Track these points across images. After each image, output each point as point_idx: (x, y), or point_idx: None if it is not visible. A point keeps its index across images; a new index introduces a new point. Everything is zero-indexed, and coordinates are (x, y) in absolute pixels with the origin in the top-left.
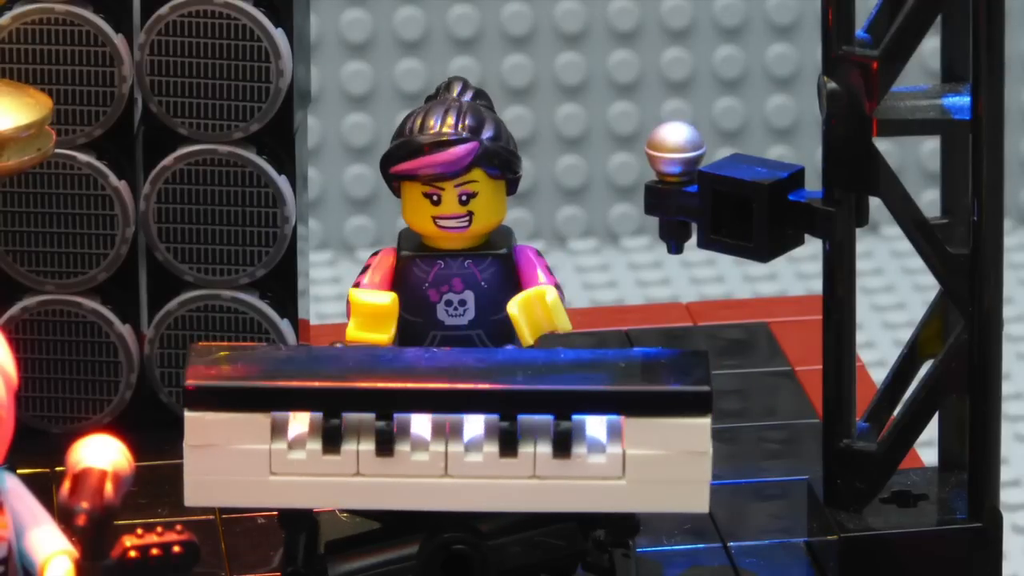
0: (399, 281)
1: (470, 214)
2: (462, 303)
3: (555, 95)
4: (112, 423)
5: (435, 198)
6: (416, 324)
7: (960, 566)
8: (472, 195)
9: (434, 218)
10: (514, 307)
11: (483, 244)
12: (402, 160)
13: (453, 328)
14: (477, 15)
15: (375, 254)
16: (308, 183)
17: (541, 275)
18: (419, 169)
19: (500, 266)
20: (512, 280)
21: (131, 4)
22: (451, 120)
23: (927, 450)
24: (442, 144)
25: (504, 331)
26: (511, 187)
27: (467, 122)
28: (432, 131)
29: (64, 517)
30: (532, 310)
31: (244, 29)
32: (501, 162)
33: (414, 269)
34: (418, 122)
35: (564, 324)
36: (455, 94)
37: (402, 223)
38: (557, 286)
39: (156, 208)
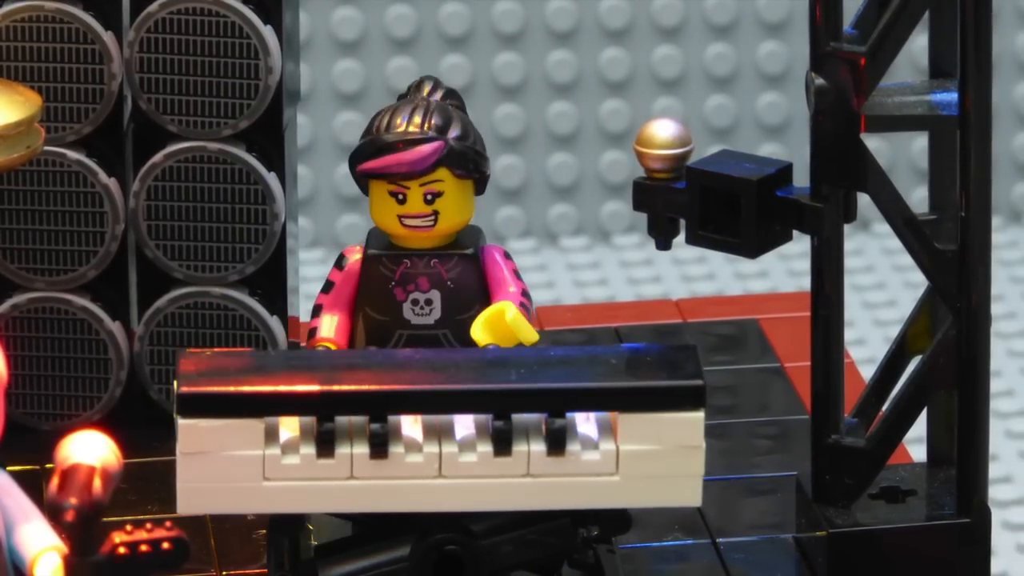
0: (365, 279)
1: (435, 213)
2: (428, 302)
3: (546, 93)
4: (102, 420)
5: (400, 197)
6: (383, 323)
7: (948, 562)
8: (438, 194)
9: (400, 217)
10: (477, 331)
11: (450, 243)
12: (368, 158)
13: (420, 327)
14: (468, 13)
15: (340, 258)
16: (299, 181)
17: (509, 281)
18: (384, 167)
19: (466, 266)
20: (479, 280)
21: (120, 1)
22: (417, 119)
23: (916, 446)
24: (407, 143)
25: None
26: (479, 187)
27: (433, 121)
28: (398, 130)
29: (52, 513)
30: (495, 330)
31: (233, 26)
32: (467, 162)
33: (380, 268)
34: (385, 120)
35: (528, 338)
36: (425, 93)
37: None
38: (524, 292)
39: (146, 205)
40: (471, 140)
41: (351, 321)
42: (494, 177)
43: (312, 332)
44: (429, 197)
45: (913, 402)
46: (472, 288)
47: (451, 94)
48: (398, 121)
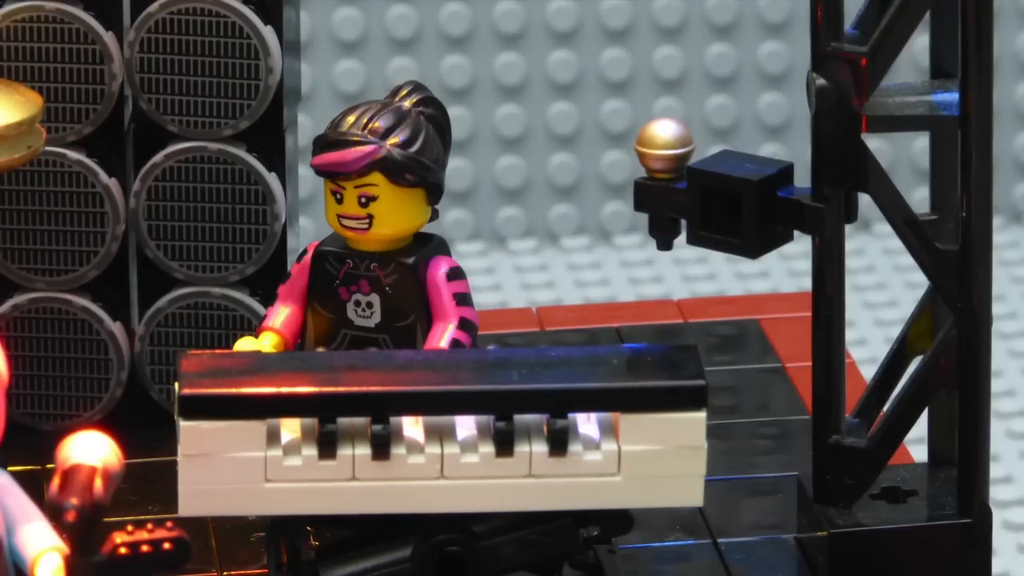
0: (314, 275)
1: (370, 217)
2: (369, 305)
3: (547, 93)
4: (102, 420)
5: (338, 196)
6: (329, 320)
7: (950, 562)
8: (372, 198)
9: (338, 216)
10: None
11: (398, 250)
12: (314, 154)
13: (362, 329)
14: (469, 13)
15: (303, 252)
16: (299, 181)
17: (449, 310)
18: (320, 165)
19: (404, 273)
20: (419, 290)
21: (121, 1)
22: (363, 120)
23: (917, 446)
24: (343, 143)
25: (408, 339)
26: (431, 196)
27: (378, 124)
28: (342, 129)
29: (53, 513)
30: None
31: (233, 26)
32: (403, 171)
33: (326, 265)
34: (338, 118)
35: None
36: (398, 98)
37: None
38: (464, 322)
39: (146, 205)
40: (416, 149)
41: (303, 314)
42: (495, 177)
43: (265, 318)
44: (363, 200)
45: (914, 402)
46: (410, 297)
47: (428, 102)
48: (349, 120)
